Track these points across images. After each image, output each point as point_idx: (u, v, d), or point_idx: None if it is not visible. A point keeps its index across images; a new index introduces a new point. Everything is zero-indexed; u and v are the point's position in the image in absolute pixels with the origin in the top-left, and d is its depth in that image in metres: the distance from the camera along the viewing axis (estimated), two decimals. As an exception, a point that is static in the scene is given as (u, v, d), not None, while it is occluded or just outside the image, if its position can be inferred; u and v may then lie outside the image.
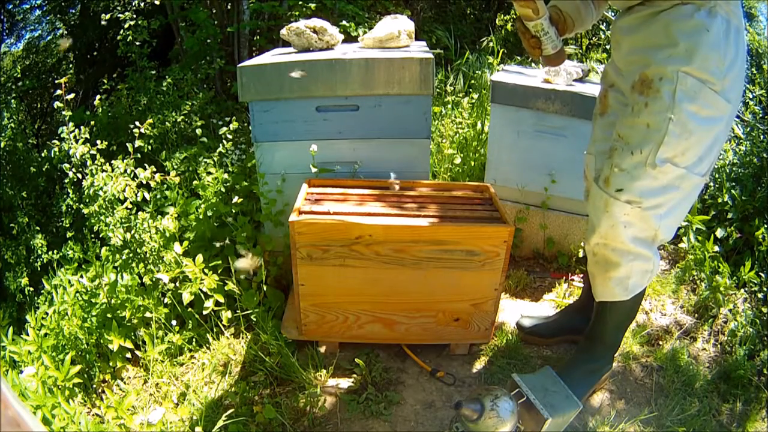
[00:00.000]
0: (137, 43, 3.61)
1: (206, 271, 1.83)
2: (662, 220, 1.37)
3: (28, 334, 1.66)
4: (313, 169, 1.90)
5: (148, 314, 1.79)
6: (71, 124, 1.87)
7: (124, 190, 1.87)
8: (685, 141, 1.26)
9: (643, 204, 1.34)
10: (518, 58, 4.29)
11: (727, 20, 1.21)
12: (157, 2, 3.83)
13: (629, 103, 1.34)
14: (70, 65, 7.29)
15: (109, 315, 1.80)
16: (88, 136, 1.90)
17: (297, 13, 3.83)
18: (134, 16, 3.54)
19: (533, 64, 3.14)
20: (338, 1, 4.02)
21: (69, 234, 2.47)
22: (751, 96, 3.18)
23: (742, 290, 2.13)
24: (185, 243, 2.02)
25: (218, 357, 1.81)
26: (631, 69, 1.35)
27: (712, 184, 2.63)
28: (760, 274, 2.14)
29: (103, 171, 1.88)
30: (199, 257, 1.82)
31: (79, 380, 1.63)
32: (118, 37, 3.68)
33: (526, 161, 2.27)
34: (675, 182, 1.32)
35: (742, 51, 1.26)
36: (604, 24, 4.35)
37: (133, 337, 1.80)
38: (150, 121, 2.15)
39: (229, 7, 4.16)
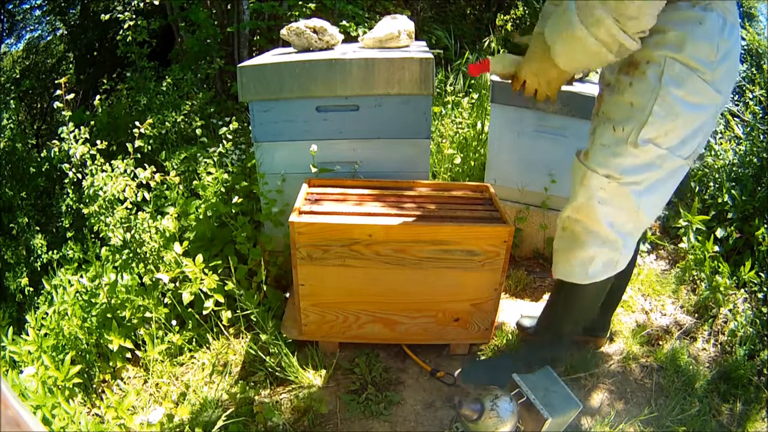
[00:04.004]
0: (137, 44, 3.61)
1: (206, 271, 1.83)
2: (642, 197, 1.34)
3: (28, 334, 1.66)
4: (313, 169, 1.90)
5: (148, 314, 1.79)
6: (71, 124, 1.87)
7: (124, 190, 1.87)
8: (670, 123, 1.25)
9: (622, 180, 1.32)
10: (518, 58, 4.28)
11: (723, 17, 1.20)
12: (157, 2, 3.83)
13: (613, 83, 1.32)
14: (70, 65, 7.29)
15: (109, 315, 1.80)
16: (88, 136, 1.90)
17: (297, 13, 3.83)
18: (134, 16, 3.54)
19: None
20: (338, 1, 4.02)
21: (69, 234, 2.47)
22: (751, 96, 3.18)
23: (742, 290, 2.13)
24: (185, 243, 2.02)
25: (218, 357, 1.81)
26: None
27: (712, 184, 2.63)
28: (760, 274, 2.14)
29: (103, 171, 1.88)
30: (199, 257, 1.82)
31: (79, 380, 1.63)
32: (118, 38, 3.68)
33: (526, 161, 2.27)
34: (656, 161, 1.30)
35: (737, 47, 1.25)
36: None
37: (133, 337, 1.80)
38: (150, 121, 2.15)
39: (229, 7, 4.15)
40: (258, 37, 4.28)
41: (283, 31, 2.13)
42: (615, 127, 1.29)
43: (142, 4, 3.85)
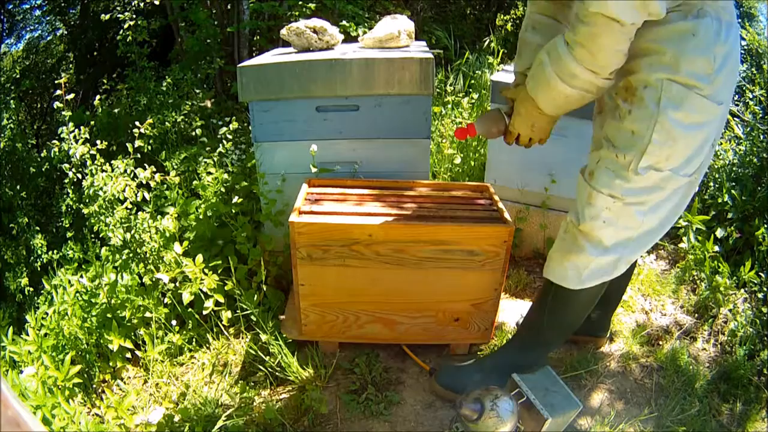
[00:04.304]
0: (137, 44, 3.62)
1: (206, 271, 1.83)
2: (646, 215, 1.35)
3: (28, 334, 1.66)
4: (313, 169, 1.90)
5: (148, 314, 1.79)
6: (71, 124, 1.87)
7: (124, 190, 1.87)
8: (669, 148, 1.24)
9: (626, 200, 1.32)
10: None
11: (717, 19, 1.17)
12: (157, 2, 3.83)
13: (614, 105, 1.32)
14: (70, 65, 7.29)
15: (109, 315, 1.80)
16: (87, 136, 1.90)
17: (297, 13, 3.83)
18: (134, 16, 3.54)
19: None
20: (338, 1, 4.02)
21: (69, 234, 2.47)
22: (751, 96, 3.18)
23: (742, 290, 2.13)
24: (185, 243, 2.02)
25: (218, 357, 1.81)
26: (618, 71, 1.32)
27: (712, 184, 2.63)
28: (760, 274, 2.14)
29: (103, 171, 1.88)
30: (199, 257, 1.82)
31: (79, 380, 1.63)
32: (118, 38, 3.68)
33: (526, 161, 2.26)
34: (660, 183, 1.30)
35: (736, 48, 1.21)
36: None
37: (133, 337, 1.80)
38: (150, 121, 2.15)
39: (229, 7, 4.16)
40: (258, 37, 4.28)
41: (283, 31, 2.14)
42: (617, 154, 1.29)
43: (142, 4, 3.86)
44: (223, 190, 2.22)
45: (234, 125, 2.39)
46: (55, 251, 2.50)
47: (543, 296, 1.55)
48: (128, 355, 1.80)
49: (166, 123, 3.06)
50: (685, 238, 2.36)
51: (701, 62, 1.16)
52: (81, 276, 1.93)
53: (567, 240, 1.45)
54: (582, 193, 1.39)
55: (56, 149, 1.92)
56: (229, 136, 2.40)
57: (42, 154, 3.53)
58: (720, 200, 2.45)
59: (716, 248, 2.24)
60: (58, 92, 1.93)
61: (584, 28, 1.14)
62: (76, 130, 1.88)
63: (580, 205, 1.40)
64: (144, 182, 1.94)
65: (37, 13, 6.94)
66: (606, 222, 1.35)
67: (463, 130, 1.53)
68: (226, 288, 1.82)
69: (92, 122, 2.93)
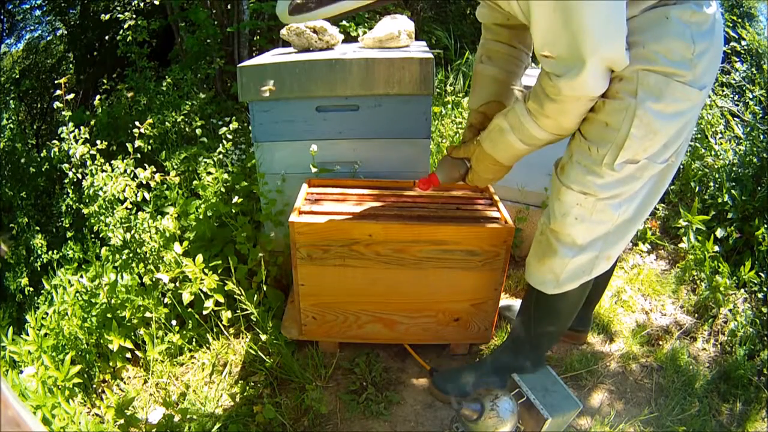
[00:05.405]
0: (137, 44, 3.62)
1: (206, 271, 1.83)
2: (621, 207, 1.28)
3: (28, 334, 1.66)
4: (313, 169, 1.90)
5: (148, 314, 1.79)
6: (71, 124, 1.87)
7: (124, 190, 1.87)
8: (649, 141, 1.17)
9: (599, 195, 1.26)
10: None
11: None
12: (157, 2, 3.83)
13: None
14: (70, 65, 7.29)
15: (109, 315, 1.80)
16: (87, 136, 1.90)
17: (297, 13, 3.82)
18: (134, 16, 3.54)
19: (533, 64, 3.14)
20: (338, 1, 4.01)
21: (69, 234, 2.47)
22: (751, 96, 3.18)
23: (742, 290, 2.13)
24: (185, 243, 2.02)
25: (218, 357, 1.81)
26: None
27: (712, 184, 2.63)
28: (760, 274, 2.14)
29: (103, 171, 1.88)
30: (199, 257, 1.82)
31: (79, 380, 1.63)
32: (118, 38, 3.68)
33: (526, 161, 2.22)
34: (636, 173, 1.23)
35: (716, 26, 1.14)
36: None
37: (133, 337, 1.80)
38: (150, 121, 2.15)
39: (229, 7, 4.16)
40: (258, 37, 4.28)
41: (283, 31, 2.14)
42: (590, 147, 1.23)
43: (142, 4, 3.85)
44: (223, 190, 2.22)
45: (234, 125, 2.39)
46: (55, 251, 2.50)
47: (527, 301, 1.54)
48: (128, 355, 1.80)
49: (166, 123, 3.06)
50: (685, 238, 2.36)
51: (678, 46, 1.10)
52: (81, 276, 1.93)
53: (542, 243, 1.41)
54: (553, 187, 1.35)
55: (56, 149, 1.92)
56: (229, 136, 2.40)
57: (42, 154, 3.52)
58: (720, 200, 2.45)
59: (716, 248, 2.24)
60: (58, 92, 1.93)
61: (553, 105, 1.15)
62: (76, 130, 1.88)
63: (551, 201, 1.37)
64: (144, 182, 1.93)
65: (37, 13, 6.94)
66: (578, 219, 1.30)
67: (426, 180, 1.54)
68: (226, 288, 1.82)
69: (92, 122, 2.93)
